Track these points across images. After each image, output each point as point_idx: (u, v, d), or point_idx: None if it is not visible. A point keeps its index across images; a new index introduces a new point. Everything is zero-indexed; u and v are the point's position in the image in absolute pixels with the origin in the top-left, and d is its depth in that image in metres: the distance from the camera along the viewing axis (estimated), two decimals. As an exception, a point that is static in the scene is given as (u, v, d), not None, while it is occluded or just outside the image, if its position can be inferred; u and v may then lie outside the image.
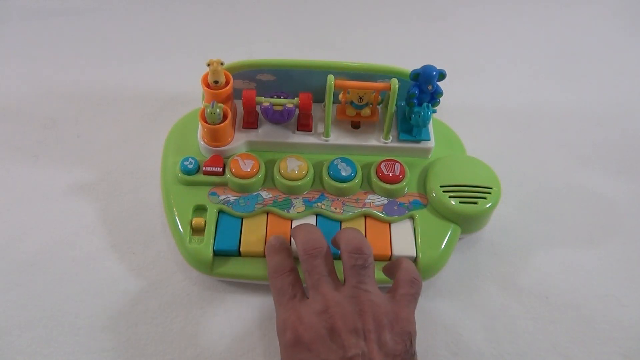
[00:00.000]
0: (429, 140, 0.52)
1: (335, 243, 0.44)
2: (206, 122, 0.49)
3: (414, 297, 0.41)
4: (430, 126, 0.53)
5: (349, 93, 0.50)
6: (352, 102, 0.51)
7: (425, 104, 0.49)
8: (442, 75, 0.48)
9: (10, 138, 0.58)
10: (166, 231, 0.51)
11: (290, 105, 0.50)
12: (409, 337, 0.38)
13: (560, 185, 0.57)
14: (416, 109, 0.50)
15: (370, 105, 0.51)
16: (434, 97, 0.50)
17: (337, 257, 0.45)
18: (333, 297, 0.39)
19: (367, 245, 0.42)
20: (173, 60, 0.69)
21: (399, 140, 0.52)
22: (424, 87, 0.49)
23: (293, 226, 0.48)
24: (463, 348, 0.46)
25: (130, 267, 0.49)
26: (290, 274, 0.42)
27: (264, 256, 0.47)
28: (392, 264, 0.44)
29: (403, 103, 0.53)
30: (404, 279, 0.41)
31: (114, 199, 0.53)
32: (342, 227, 0.48)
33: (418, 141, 0.52)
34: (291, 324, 0.38)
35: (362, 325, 0.37)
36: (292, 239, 0.45)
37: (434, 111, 0.51)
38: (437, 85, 0.49)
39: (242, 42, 0.72)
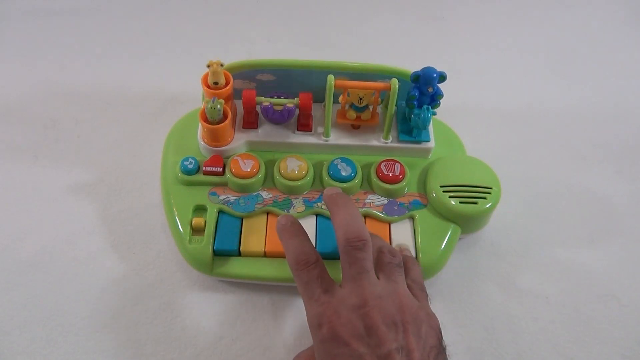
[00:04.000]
0: (428, 141, 0.52)
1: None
2: (206, 121, 0.49)
3: (427, 297, 0.43)
4: (430, 127, 0.53)
5: (349, 95, 0.50)
6: (352, 105, 0.51)
7: (425, 106, 0.49)
8: (442, 77, 0.48)
9: (10, 138, 0.58)
10: (166, 231, 0.51)
11: (290, 105, 0.50)
12: (439, 331, 0.39)
13: (560, 185, 0.57)
14: (416, 111, 0.50)
15: (371, 108, 0.51)
16: (434, 99, 0.50)
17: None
18: (372, 291, 0.38)
19: (395, 250, 0.44)
20: (173, 60, 0.69)
21: (399, 140, 0.52)
22: (424, 89, 0.49)
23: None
24: (463, 348, 0.46)
25: (130, 267, 0.49)
26: (316, 266, 0.40)
27: (265, 256, 0.47)
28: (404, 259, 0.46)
29: (403, 103, 0.53)
30: (420, 284, 0.43)
31: (114, 199, 0.53)
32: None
33: (418, 142, 0.52)
34: (327, 319, 0.37)
35: (401, 319, 0.37)
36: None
37: (434, 113, 0.51)
38: (438, 87, 0.49)
39: (242, 42, 0.72)
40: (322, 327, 0.37)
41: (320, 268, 0.40)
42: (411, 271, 0.44)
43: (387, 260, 0.41)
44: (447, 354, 0.39)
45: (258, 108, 0.52)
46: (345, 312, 0.37)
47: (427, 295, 0.43)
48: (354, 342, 0.36)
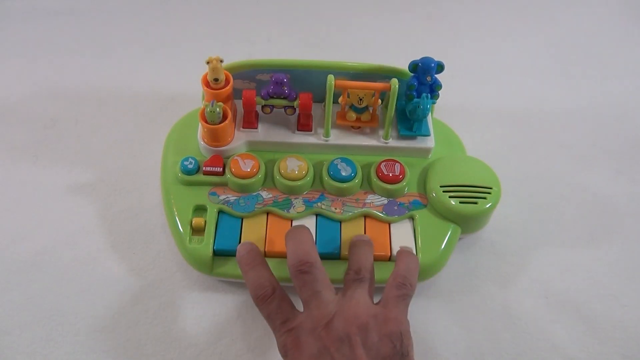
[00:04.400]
0: (428, 135, 0.52)
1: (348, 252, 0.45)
2: (206, 122, 0.49)
3: (402, 298, 0.41)
4: (430, 123, 0.53)
5: (349, 96, 0.50)
6: (352, 106, 0.51)
7: (424, 95, 0.49)
8: (440, 67, 0.49)
9: (10, 138, 0.58)
10: (166, 231, 0.51)
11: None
12: (398, 337, 0.38)
13: (560, 185, 0.57)
14: (415, 100, 0.50)
15: (370, 110, 0.51)
16: (433, 89, 0.50)
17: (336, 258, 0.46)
18: (321, 313, 0.39)
19: (369, 266, 0.43)
20: (173, 60, 0.69)
21: (400, 136, 0.52)
22: (422, 78, 0.49)
23: (292, 223, 0.48)
24: (463, 348, 0.46)
25: (130, 267, 0.49)
26: (273, 298, 0.41)
27: (265, 256, 0.47)
28: (396, 256, 0.45)
29: (403, 102, 0.53)
30: (391, 284, 0.42)
31: (114, 199, 0.53)
32: (342, 227, 0.48)
33: (417, 139, 0.52)
34: (289, 347, 0.39)
35: (346, 332, 0.37)
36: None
37: (434, 102, 0.51)
38: (436, 78, 0.49)
39: (242, 42, 0.72)
40: (286, 353, 0.39)
41: (278, 299, 0.41)
42: (397, 265, 0.43)
43: (348, 278, 0.42)
44: (412, 357, 0.38)
45: (258, 108, 0.52)
46: (303, 338, 0.38)
47: (403, 294, 0.41)
48: None
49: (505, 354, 0.46)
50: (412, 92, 0.50)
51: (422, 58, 0.49)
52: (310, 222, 0.48)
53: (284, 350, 0.39)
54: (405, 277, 0.42)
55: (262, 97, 0.50)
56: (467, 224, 0.49)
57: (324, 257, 0.46)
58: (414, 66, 0.49)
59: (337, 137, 0.52)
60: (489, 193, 0.49)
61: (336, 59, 0.50)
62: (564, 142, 0.62)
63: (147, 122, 0.61)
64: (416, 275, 0.43)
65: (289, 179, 0.49)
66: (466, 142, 0.56)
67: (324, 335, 0.38)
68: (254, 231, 0.47)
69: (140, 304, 0.47)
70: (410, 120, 0.52)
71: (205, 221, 0.48)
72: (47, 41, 0.70)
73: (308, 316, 0.39)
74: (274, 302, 0.41)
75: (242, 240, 0.47)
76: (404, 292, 0.41)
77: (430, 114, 0.54)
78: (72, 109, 0.62)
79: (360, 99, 0.50)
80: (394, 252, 0.47)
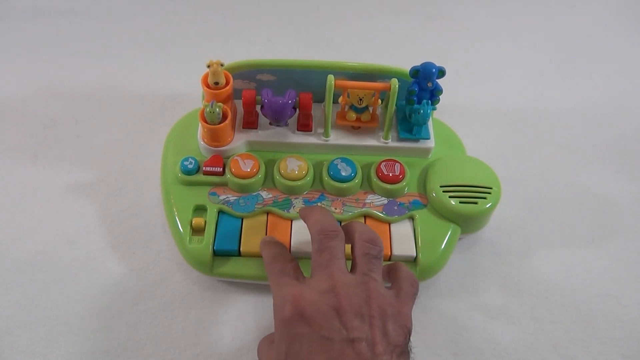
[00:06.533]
0: (428, 138, 0.52)
1: (345, 232, 0.43)
2: (206, 121, 0.49)
3: (413, 296, 0.41)
4: (430, 126, 0.53)
5: (349, 96, 0.50)
6: (352, 106, 0.51)
7: (425, 101, 0.49)
8: (441, 72, 0.48)
9: (10, 138, 0.58)
10: (166, 231, 0.51)
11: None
12: (408, 332, 0.38)
13: (560, 185, 0.57)
14: (416, 106, 0.50)
15: (370, 110, 0.51)
16: (434, 94, 0.50)
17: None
18: (341, 278, 0.38)
19: (380, 239, 0.41)
20: (173, 60, 0.69)
21: (399, 139, 0.52)
22: (423, 84, 0.49)
23: (292, 223, 0.48)
24: (463, 348, 0.46)
25: (130, 267, 0.49)
26: (290, 262, 0.41)
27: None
28: (390, 267, 0.44)
29: (403, 103, 0.53)
30: (406, 279, 0.41)
31: (114, 199, 0.53)
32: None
33: (418, 141, 0.52)
34: (292, 297, 0.37)
35: (368, 311, 0.37)
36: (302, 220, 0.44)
37: (434, 108, 0.51)
38: (437, 83, 0.49)
39: (242, 42, 0.72)
40: (285, 305, 0.37)
41: (294, 264, 0.41)
42: (399, 273, 0.42)
43: (364, 251, 0.40)
44: (412, 358, 0.38)
45: (258, 108, 0.52)
46: (311, 294, 0.37)
47: (415, 293, 0.41)
48: (317, 323, 0.35)
49: (505, 354, 0.46)
50: (413, 97, 0.50)
51: (423, 64, 0.48)
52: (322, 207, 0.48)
53: (281, 300, 0.37)
54: (415, 278, 0.42)
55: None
56: (467, 224, 0.49)
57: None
58: (414, 72, 0.49)
59: (337, 137, 0.52)
60: (489, 193, 0.49)
61: (336, 59, 0.50)
62: (564, 142, 0.62)
63: (147, 122, 0.61)
64: None
65: (289, 179, 0.49)
66: (466, 142, 0.56)
67: (342, 301, 0.36)
68: (254, 231, 0.47)
69: (140, 304, 0.47)
70: (410, 123, 0.52)
71: (205, 221, 0.48)
72: (47, 41, 0.70)
73: (322, 278, 0.38)
74: (290, 264, 0.40)
75: (242, 240, 0.47)
76: (415, 290, 0.41)
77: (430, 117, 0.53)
78: (72, 109, 0.62)
79: (360, 99, 0.50)
80: (395, 252, 0.47)
